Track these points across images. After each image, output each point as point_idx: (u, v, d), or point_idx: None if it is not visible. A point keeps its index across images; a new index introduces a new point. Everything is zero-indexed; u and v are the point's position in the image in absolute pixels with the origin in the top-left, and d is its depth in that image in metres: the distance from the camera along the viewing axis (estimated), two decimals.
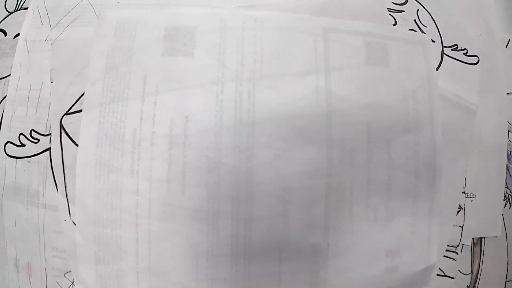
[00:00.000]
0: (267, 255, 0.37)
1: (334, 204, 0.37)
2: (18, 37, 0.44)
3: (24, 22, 0.44)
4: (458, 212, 0.42)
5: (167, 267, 0.37)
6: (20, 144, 0.41)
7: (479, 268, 0.43)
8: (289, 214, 0.37)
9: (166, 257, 0.37)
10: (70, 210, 0.39)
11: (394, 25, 0.43)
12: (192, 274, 0.37)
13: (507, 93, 0.45)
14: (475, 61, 0.45)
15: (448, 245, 0.42)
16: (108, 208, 0.38)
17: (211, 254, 0.36)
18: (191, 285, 0.37)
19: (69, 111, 0.40)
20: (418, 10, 0.45)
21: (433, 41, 0.43)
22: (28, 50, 0.43)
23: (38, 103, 0.42)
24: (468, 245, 0.43)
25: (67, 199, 0.39)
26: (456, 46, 0.44)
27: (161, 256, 0.37)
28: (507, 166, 0.44)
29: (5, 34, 0.45)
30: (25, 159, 0.41)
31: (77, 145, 0.39)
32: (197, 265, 0.37)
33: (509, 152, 0.44)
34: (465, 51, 0.45)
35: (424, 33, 0.43)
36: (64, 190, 0.39)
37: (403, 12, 0.44)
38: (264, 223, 0.37)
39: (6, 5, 0.45)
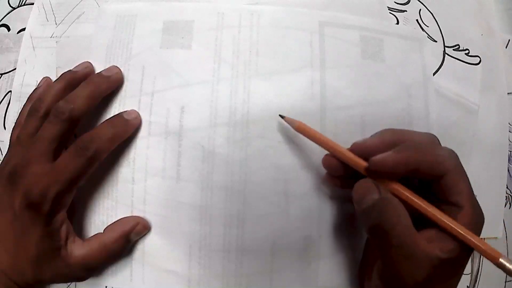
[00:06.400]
0: (259, 244, 0.37)
1: (327, 196, 0.38)
2: (21, 32, 0.45)
3: (30, 19, 0.45)
4: None
5: (160, 255, 0.37)
6: None
7: (479, 268, 0.42)
8: (282, 205, 0.37)
9: (159, 245, 0.38)
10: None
11: (396, 24, 0.43)
12: (185, 262, 0.37)
13: (507, 93, 0.45)
14: (477, 61, 0.45)
15: None
16: (105, 196, 0.38)
17: (204, 243, 0.37)
18: (183, 273, 0.37)
19: None
20: (420, 10, 0.45)
21: (435, 41, 0.44)
22: (33, 47, 0.44)
23: None
24: None
25: None
26: (458, 46, 0.44)
27: (154, 244, 0.38)
28: (507, 167, 0.44)
29: (9, 29, 0.46)
30: None
31: None
32: (190, 253, 0.37)
33: (510, 152, 0.44)
34: (467, 51, 0.45)
35: (426, 33, 0.43)
36: None
37: (405, 12, 0.44)
38: (257, 213, 0.37)
39: (10, 1, 0.46)
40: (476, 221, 0.30)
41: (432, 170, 0.29)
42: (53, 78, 0.41)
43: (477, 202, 0.30)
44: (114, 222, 0.37)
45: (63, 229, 0.34)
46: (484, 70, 0.44)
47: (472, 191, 0.30)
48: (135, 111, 0.38)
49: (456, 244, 0.28)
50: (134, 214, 0.38)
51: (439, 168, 0.29)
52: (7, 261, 0.33)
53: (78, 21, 0.43)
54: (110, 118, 0.37)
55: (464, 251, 0.29)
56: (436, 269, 0.28)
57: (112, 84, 0.38)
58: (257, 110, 0.38)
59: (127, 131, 0.37)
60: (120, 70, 0.39)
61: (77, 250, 0.34)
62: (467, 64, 0.44)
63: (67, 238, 0.34)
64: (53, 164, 0.33)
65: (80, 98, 0.35)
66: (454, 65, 0.44)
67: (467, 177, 0.30)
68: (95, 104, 0.37)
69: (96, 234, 0.36)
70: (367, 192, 0.29)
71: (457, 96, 0.43)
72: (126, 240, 0.36)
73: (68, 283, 0.40)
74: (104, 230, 0.36)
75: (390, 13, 0.43)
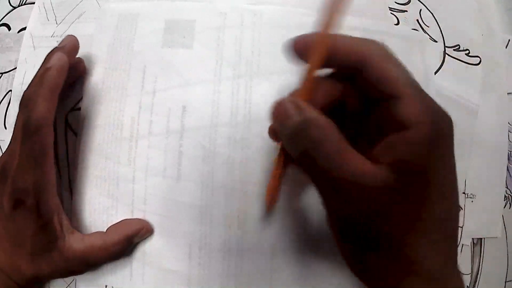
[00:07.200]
0: (259, 244, 0.37)
1: None
2: (22, 31, 0.45)
3: (30, 18, 0.45)
4: None
5: (160, 254, 0.37)
6: None
7: (479, 268, 0.42)
8: (283, 205, 0.37)
9: (159, 244, 0.37)
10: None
11: (396, 24, 0.43)
12: (185, 262, 0.37)
13: (507, 93, 0.45)
14: (477, 62, 0.45)
15: None
16: (105, 195, 0.38)
17: (204, 242, 0.37)
18: (183, 273, 0.37)
19: (75, 107, 0.40)
20: (420, 10, 0.45)
21: (435, 41, 0.44)
22: (34, 46, 0.44)
23: None
24: (468, 245, 0.42)
25: (71, 193, 0.39)
26: (458, 47, 0.44)
27: (155, 243, 0.38)
28: (507, 167, 0.44)
29: (9, 28, 0.45)
30: None
31: None
32: (190, 253, 0.37)
33: (510, 152, 0.44)
34: (467, 52, 0.45)
35: (427, 33, 0.44)
36: (68, 184, 0.39)
37: (406, 12, 0.44)
38: (258, 213, 0.37)
39: (10, 0, 0.46)
40: (429, 112, 0.23)
41: (349, 57, 0.26)
42: None
43: (425, 93, 0.24)
44: (118, 223, 0.37)
45: (56, 220, 0.33)
46: (484, 70, 0.44)
47: (414, 80, 0.25)
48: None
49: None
50: (134, 214, 0.38)
51: (356, 55, 0.25)
52: (5, 260, 0.33)
53: (78, 21, 0.43)
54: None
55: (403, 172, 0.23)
56: (375, 195, 0.23)
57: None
58: (259, 110, 0.38)
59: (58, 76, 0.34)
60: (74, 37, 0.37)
61: (76, 243, 0.34)
62: (467, 64, 0.44)
63: (62, 229, 0.33)
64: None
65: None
66: (454, 65, 0.44)
67: (401, 64, 0.25)
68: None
69: (98, 232, 0.36)
70: (285, 116, 0.25)
71: (457, 96, 0.43)
72: (128, 242, 0.36)
73: (68, 283, 0.40)
74: (107, 230, 0.36)
75: (391, 13, 0.43)
